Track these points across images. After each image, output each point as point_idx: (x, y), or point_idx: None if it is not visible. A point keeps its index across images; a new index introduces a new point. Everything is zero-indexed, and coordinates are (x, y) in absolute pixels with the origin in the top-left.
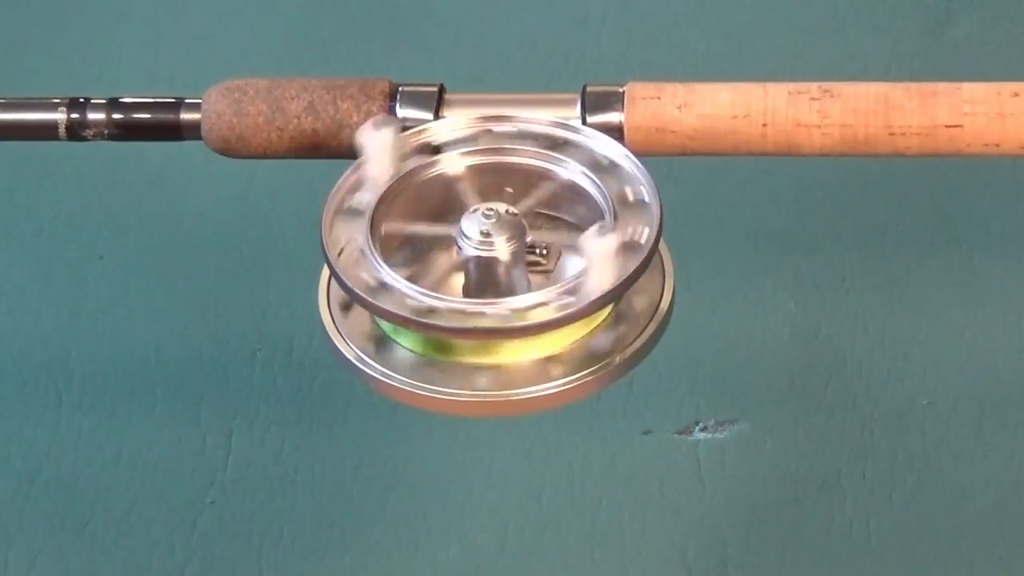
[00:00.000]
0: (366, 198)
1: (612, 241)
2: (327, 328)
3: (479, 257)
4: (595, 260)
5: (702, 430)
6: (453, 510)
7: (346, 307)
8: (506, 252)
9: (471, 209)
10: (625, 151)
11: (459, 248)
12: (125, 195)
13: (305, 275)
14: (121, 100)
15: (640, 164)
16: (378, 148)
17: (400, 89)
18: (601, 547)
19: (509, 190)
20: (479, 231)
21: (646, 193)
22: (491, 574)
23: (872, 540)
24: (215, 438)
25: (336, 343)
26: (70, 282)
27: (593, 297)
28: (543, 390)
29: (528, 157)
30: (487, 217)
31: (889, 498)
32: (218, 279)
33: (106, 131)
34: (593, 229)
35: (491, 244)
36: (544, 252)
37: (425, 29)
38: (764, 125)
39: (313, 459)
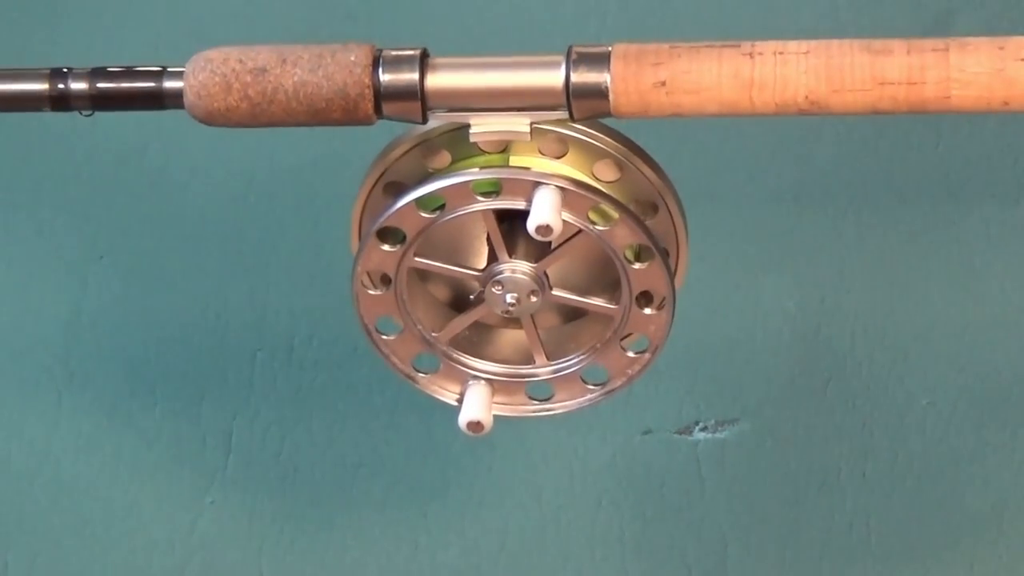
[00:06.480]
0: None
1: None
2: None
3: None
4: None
5: (702, 430)
6: (453, 510)
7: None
8: (526, 313)
9: (497, 265)
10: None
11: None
12: (125, 195)
13: (305, 275)
14: (103, 69)
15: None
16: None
17: (383, 53)
18: (601, 547)
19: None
20: (506, 294)
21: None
22: (491, 574)
23: (872, 540)
24: (215, 438)
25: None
26: (70, 282)
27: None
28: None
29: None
30: (513, 283)
31: (889, 498)
32: (218, 279)
33: (90, 101)
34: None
35: (514, 305)
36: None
37: None
38: (751, 87)
39: (313, 459)
